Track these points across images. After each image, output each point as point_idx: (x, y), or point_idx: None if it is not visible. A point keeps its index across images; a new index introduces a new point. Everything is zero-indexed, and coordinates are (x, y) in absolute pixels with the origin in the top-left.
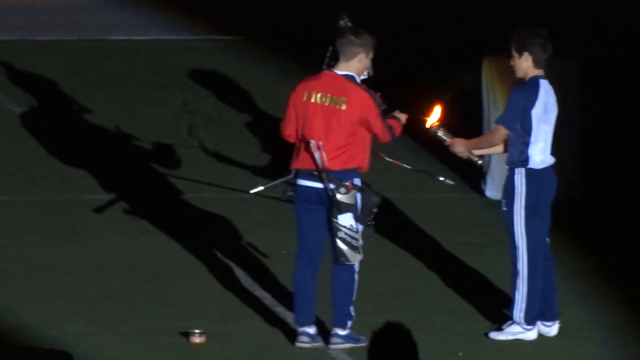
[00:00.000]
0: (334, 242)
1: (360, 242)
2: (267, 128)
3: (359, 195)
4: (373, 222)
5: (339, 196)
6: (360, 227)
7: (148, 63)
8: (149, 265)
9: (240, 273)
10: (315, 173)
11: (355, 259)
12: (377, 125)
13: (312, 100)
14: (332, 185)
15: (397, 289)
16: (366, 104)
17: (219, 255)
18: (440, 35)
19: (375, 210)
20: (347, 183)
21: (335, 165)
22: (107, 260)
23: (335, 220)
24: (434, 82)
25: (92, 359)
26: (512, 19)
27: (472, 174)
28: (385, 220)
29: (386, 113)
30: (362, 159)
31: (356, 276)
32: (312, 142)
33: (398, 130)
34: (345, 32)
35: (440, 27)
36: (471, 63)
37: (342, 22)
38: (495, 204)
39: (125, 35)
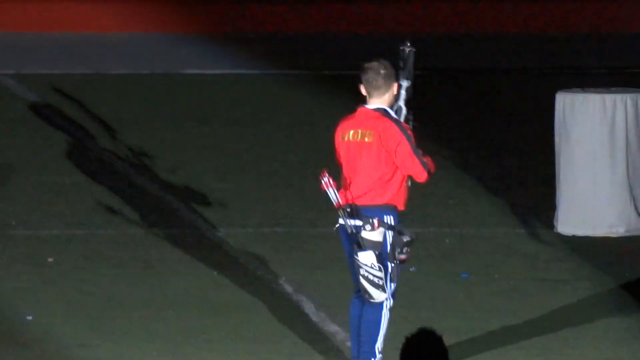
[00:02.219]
0: (358, 279)
1: (389, 282)
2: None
3: (388, 233)
4: (403, 260)
5: (363, 233)
6: (390, 265)
7: (222, 96)
8: (222, 300)
9: (311, 308)
10: (348, 210)
11: (380, 297)
12: (407, 159)
13: (346, 139)
14: (353, 222)
15: (470, 325)
16: (394, 135)
17: (290, 289)
18: None
19: (406, 249)
20: (374, 220)
21: (364, 201)
22: (181, 295)
23: (355, 257)
24: None
25: None
26: None
27: (543, 209)
28: (457, 255)
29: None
30: (393, 195)
31: (384, 315)
32: (323, 180)
33: (432, 166)
34: (370, 67)
35: None
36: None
37: (404, 48)
38: (569, 239)
39: (199, 69)
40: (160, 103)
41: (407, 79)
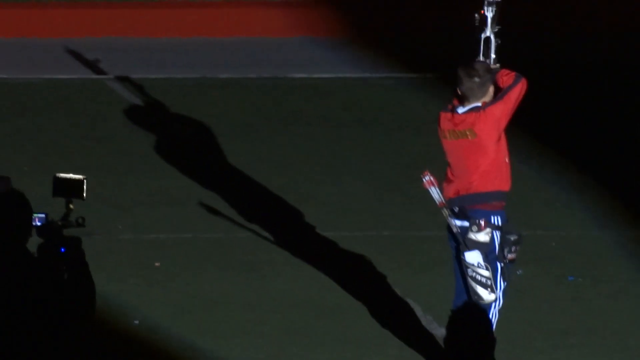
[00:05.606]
0: (466, 281)
1: (500, 282)
2: (444, 164)
3: (496, 233)
4: (512, 260)
5: (470, 234)
6: (499, 265)
7: (329, 100)
8: (327, 302)
9: (418, 311)
10: (454, 210)
11: (489, 297)
12: (511, 97)
13: (448, 138)
14: (459, 223)
15: (577, 326)
16: (490, 115)
17: (398, 292)
18: None
19: (514, 248)
20: (481, 221)
21: (470, 192)
22: (286, 296)
23: (462, 257)
24: None
25: None
26: None
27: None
28: (563, 257)
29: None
30: (497, 178)
31: (493, 315)
32: (425, 178)
33: (512, 76)
34: (466, 75)
35: None
36: None
37: (486, 8)
38: None
39: (305, 73)
40: (266, 106)
41: (491, 6)
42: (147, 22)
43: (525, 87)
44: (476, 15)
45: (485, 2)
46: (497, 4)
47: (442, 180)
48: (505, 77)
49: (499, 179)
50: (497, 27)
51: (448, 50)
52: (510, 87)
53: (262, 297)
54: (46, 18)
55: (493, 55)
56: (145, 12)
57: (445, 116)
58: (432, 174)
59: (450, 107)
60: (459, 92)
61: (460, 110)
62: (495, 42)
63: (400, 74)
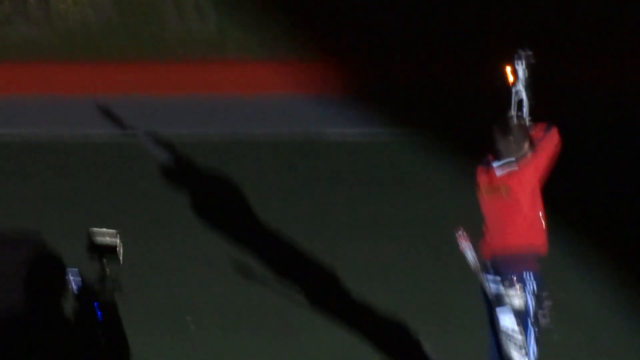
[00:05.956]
0: (499, 341)
1: (534, 347)
2: (481, 222)
3: (530, 298)
4: (545, 325)
5: (503, 291)
6: (533, 330)
7: (363, 158)
8: None
9: None
10: (489, 269)
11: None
12: (545, 150)
13: (485, 193)
14: (491, 279)
15: None
16: (526, 171)
17: (430, 351)
18: None
19: (548, 312)
20: (513, 277)
21: (507, 252)
22: (321, 358)
23: (496, 319)
24: None
25: None
26: None
27: None
28: None
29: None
30: (534, 236)
31: None
32: (458, 233)
33: (546, 129)
34: (502, 134)
35: None
36: None
37: (522, 54)
38: None
39: (338, 128)
40: (300, 165)
41: (523, 61)
42: (181, 79)
43: (558, 138)
44: (508, 71)
45: (515, 56)
46: (527, 58)
47: (478, 237)
48: (539, 130)
49: (533, 237)
50: (529, 83)
51: (484, 105)
52: (544, 141)
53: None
54: (77, 75)
55: (525, 110)
56: (179, 69)
57: (481, 171)
58: (466, 231)
59: (486, 161)
60: (495, 149)
61: (495, 165)
62: (528, 98)
63: (435, 131)
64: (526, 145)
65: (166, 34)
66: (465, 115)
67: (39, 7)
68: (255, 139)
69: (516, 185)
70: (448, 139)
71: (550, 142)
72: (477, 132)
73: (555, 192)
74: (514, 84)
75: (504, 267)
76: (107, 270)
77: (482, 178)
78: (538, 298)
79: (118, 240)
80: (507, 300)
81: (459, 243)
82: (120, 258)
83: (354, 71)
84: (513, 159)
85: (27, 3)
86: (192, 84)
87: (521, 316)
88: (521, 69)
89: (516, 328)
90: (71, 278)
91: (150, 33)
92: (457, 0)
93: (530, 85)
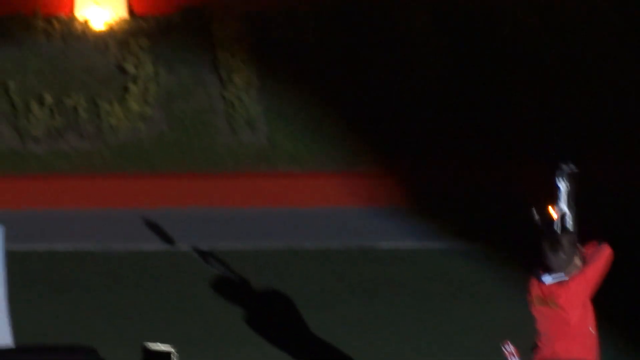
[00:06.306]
0: None
1: None
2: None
3: None
4: None
5: None
6: None
7: (413, 270)
8: None
9: None
10: None
11: None
12: (596, 264)
13: (536, 305)
14: None
15: None
16: (574, 287)
17: None
18: None
19: None
20: None
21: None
22: None
23: None
24: None
25: None
26: None
27: None
28: None
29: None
30: (582, 347)
31: None
32: (505, 348)
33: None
34: (550, 252)
35: None
36: None
37: (565, 169)
38: None
39: (390, 240)
40: (350, 276)
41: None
42: (231, 192)
43: (609, 252)
44: (551, 211)
45: (557, 173)
46: (571, 173)
47: (530, 347)
48: (591, 245)
49: (583, 351)
50: (571, 194)
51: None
52: (595, 256)
53: None
54: (129, 188)
55: (570, 222)
56: (228, 183)
57: (534, 282)
58: (515, 343)
59: (538, 273)
60: (545, 262)
61: (546, 279)
62: (570, 208)
63: (483, 244)
64: (577, 259)
65: (217, 146)
66: (516, 225)
67: (91, 121)
68: (307, 250)
69: (565, 299)
70: (497, 251)
71: (601, 257)
72: (528, 243)
73: (608, 302)
74: (557, 203)
75: None
76: None
77: (534, 289)
78: None
79: (170, 350)
80: None
81: (507, 358)
82: None
83: (403, 182)
84: (563, 274)
85: (79, 117)
86: (242, 196)
87: None
88: (563, 185)
89: None
90: None
91: (201, 146)
92: (507, 111)
93: (572, 196)
